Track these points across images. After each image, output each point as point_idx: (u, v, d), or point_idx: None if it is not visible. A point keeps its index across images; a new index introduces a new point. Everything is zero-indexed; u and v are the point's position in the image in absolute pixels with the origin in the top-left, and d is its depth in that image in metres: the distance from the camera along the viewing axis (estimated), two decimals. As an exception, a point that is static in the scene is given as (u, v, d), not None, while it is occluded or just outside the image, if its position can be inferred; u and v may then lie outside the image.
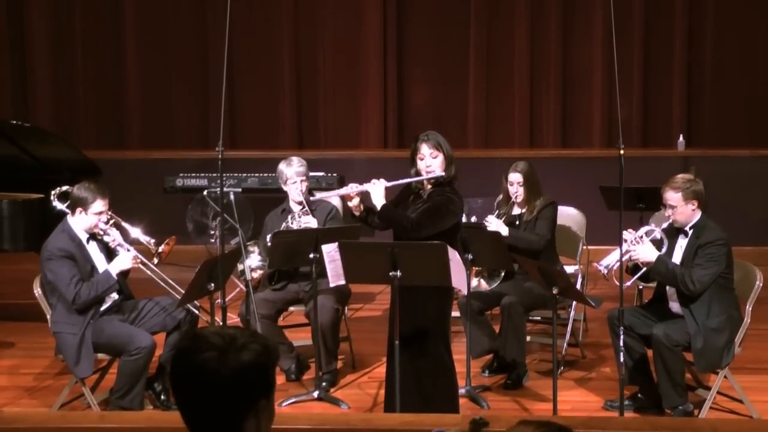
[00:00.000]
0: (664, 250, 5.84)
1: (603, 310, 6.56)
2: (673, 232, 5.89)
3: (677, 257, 5.84)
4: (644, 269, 5.80)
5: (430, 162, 5.39)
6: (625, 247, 5.66)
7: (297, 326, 6.94)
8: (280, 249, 6.19)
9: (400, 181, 5.51)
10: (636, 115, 10.47)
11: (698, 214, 5.80)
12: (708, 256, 5.69)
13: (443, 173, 5.38)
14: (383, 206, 5.35)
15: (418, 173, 5.44)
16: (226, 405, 2.22)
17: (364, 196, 5.42)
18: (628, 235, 5.76)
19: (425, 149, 5.40)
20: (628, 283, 5.88)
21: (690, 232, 5.80)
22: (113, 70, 10.91)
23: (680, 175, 5.93)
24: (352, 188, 5.42)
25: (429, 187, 5.45)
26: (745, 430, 4.36)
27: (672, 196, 5.77)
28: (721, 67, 10.51)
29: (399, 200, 5.55)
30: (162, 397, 5.99)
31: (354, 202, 5.40)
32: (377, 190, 5.35)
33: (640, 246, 5.76)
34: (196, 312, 6.03)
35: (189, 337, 2.32)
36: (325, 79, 10.83)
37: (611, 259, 5.73)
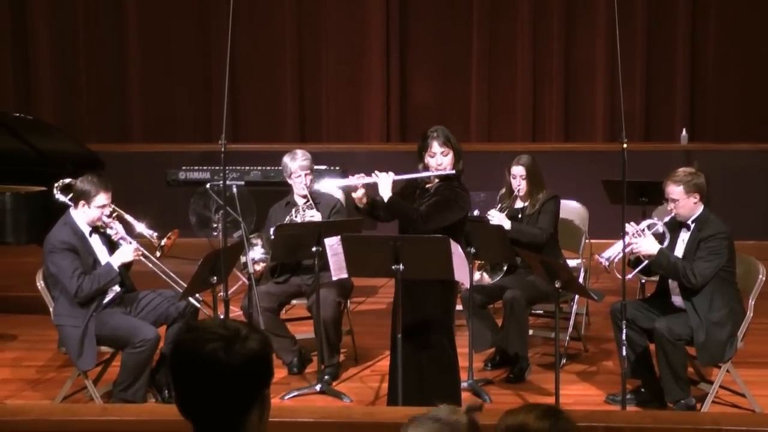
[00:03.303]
0: (666, 243, 5.84)
1: (605, 304, 6.57)
2: (676, 225, 5.89)
3: (679, 251, 5.83)
4: (646, 262, 5.81)
5: (441, 160, 5.38)
6: (627, 240, 5.67)
7: (299, 319, 6.95)
8: (283, 242, 6.19)
9: (409, 176, 5.50)
10: (639, 109, 10.47)
11: (700, 208, 5.80)
12: (709, 249, 5.69)
13: (453, 171, 5.38)
14: (390, 198, 5.34)
15: (426, 168, 5.44)
16: (233, 395, 2.22)
17: (369, 188, 5.41)
18: (630, 228, 5.76)
19: (436, 147, 5.39)
20: (630, 276, 5.88)
21: (692, 226, 5.80)
22: (116, 63, 10.90)
23: (681, 169, 5.93)
24: (359, 179, 5.41)
25: (436, 180, 5.44)
26: (747, 424, 4.36)
27: (674, 190, 5.77)
28: (724, 62, 10.50)
29: (404, 193, 5.54)
30: (165, 391, 5.98)
31: (358, 194, 5.39)
32: (385, 182, 5.34)
33: (642, 239, 5.76)
34: (197, 304, 6.03)
35: (189, 330, 2.31)
36: (328, 72, 10.83)
37: (613, 251, 5.73)
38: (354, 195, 5.42)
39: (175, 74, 10.91)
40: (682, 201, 5.77)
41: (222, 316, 5.80)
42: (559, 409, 2.39)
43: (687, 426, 4.09)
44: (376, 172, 5.37)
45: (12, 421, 4.03)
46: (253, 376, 2.24)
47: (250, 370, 2.23)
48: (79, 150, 7.93)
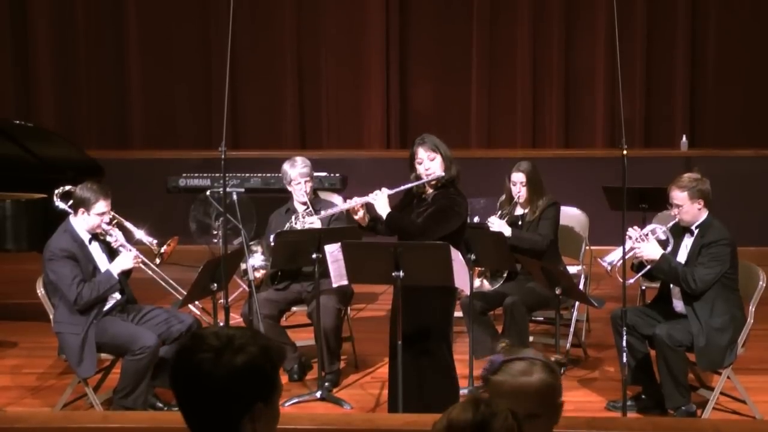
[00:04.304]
0: (669, 248, 5.85)
1: (606, 311, 6.56)
2: (679, 231, 5.90)
3: (682, 256, 5.83)
4: (648, 266, 5.81)
5: (429, 165, 5.40)
6: (630, 244, 5.67)
7: (299, 326, 6.94)
8: (283, 249, 6.19)
9: (402, 187, 5.51)
10: (639, 116, 10.47)
11: (704, 214, 5.80)
12: (711, 255, 5.69)
13: (443, 173, 5.39)
14: (389, 215, 5.36)
15: (418, 177, 5.45)
16: (219, 407, 2.21)
17: (369, 206, 5.44)
18: (633, 232, 5.76)
19: (422, 153, 5.41)
20: (632, 280, 5.88)
21: (696, 232, 5.80)
22: (116, 70, 10.91)
23: (687, 174, 5.92)
24: (355, 201, 5.44)
25: (431, 189, 5.45)
26: (748, 431, 4.36)
27: (678, 195, 5.77)
28: (724, 68, 10.51)
29: (403, 205, 5.55)
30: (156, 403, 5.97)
31: (359, 215, 5.43)
32: (381, 200, 5.37)
33: (645, 243, 5.76)
34: (197, 311, 6.01)
35: (191, 337, 2.31)
36: (328, 79, 10.83)
37: (615, 255, 5.73)
38: (355, 217, 5.47)
39: (176, 81, 10.92)
40: (686, 207, 5.77)
41: (221, 323, 5.80)
42: (479, 397, 2.42)
43: (688, 432, 4.09)
44: (370, 195, 5.39)
45: (12, 428, 4.02)
46: (240, 390, 2.21)
47: (235, 384, 2.20)
48: (79, 157, 7.93)
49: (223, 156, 5.56)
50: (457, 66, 10.71)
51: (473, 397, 2.42)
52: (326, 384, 6.27)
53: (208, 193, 7.63)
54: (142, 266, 5.98)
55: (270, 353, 2.26)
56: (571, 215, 7.37)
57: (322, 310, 6.19)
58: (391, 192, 5.42)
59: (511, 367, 2.75)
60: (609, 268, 5.75)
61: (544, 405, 2.72)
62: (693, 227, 5.81)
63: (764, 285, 5.82)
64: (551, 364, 2.79)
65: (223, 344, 2.21)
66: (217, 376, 2.18)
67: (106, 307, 5.88)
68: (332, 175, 9.05)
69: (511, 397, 2.68)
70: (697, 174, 5.98)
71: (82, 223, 5.87)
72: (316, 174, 7.07)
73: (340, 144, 10.80)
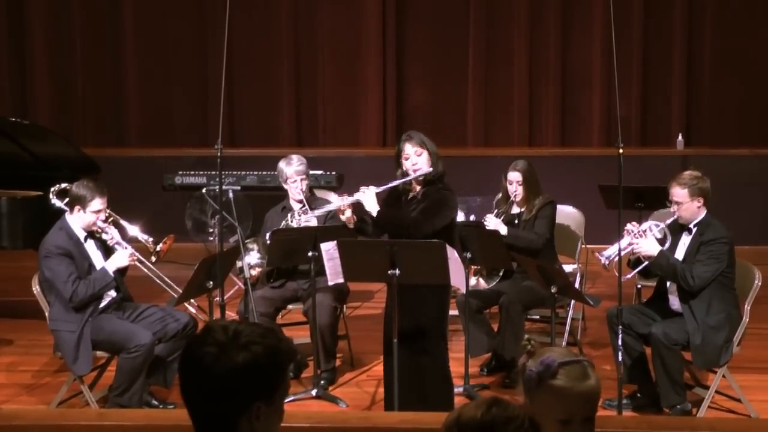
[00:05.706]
0: (666, 245, 5.85)
1: (602, 309, 6.56)
2: (677, 228, 5.90)
3: (680, 254, 5.83)
4: (645, 263, 5.81)
5: (416, 160, 5.41)
6: (628, 239, 5.67)
7: (295, 324, 6.94)
8: (279, 247, 6.19)
9: (390, 185, 5.51)
10: (635, 114, 10.49)
11: (703, 212, 5.80)
12: (710, 253, 5.69)
13: (430, 169, 5.40)
14: (379, 212, 5.36)
15: (404, 174, 5.45)
16: (217, 403, 2.19)
17: (356, 206, 5.44)
18: (632, 227, 5.76)
19: (409, 148, 5.42)
20: (628, 276, 5.88)
21: (694, 230, 5.80)
22: (112, 68, 10.91)
23: (687, 172, 5.92)
24: (343, 201, 5.44)
25: (419, 186, 5.45)
26: (743, 429, 4.36)
27: (678, 192, 5.77)
28: (720, 66, 10.52)
29: (388, 204, 5.55)
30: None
31: (347, 215, 5.43)
32: (369, 198, 5.37)
33: (643, 239, 5.76)
34: (192, 309, 6.01)
35: (204, 329, 2.28)
36: (325, 76, 10.84)
37: (613, 250, 5.72)
38: (342, 217, 5.46)
39: (172, 79, 10.92)
40: (686, 204, 5.77)
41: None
42: (498, 399, 2.38)
43: (683, 431, 4.09)
44: (358, 193, 5.40)
45: (7, 426, 4.02)
46: (238, 389, 2.18)
47: (234, 382, 2.17)
48: (75, 154, 7.92)
49: (219, 154, 5.55)
50: (454, 65, 10.71)
51: (491, 398, 2.38)
52: (322, 382, 6.27)
53: (204, 190, 7.63)
54: (138, 264, 5.98)
55: (277, 353, 2.21)
56: (568, 214, 7.38)
57: (318, 308, 6.19)
58: (378, 190, 5.43)
59: (570, 370, 2.67)
60: (606, 262, 5.74)
61: (597, 407, 2.68)
62: (691, 225, 5.81)
63: (760, 284, 5.83)
64: (591, 364, 2.74)
65: (229, 340, 2.18)
66: (217, 373, 2.16)
67: (102, 305, 5.88)
68: (328, 173, 9.05)
69: (575, 402, 2.63)
70: (697, 172, 5.98)
71: (77, 220, 5.87)
72: (312, 172, 7.06)
73: (336, 142, 10.81)
